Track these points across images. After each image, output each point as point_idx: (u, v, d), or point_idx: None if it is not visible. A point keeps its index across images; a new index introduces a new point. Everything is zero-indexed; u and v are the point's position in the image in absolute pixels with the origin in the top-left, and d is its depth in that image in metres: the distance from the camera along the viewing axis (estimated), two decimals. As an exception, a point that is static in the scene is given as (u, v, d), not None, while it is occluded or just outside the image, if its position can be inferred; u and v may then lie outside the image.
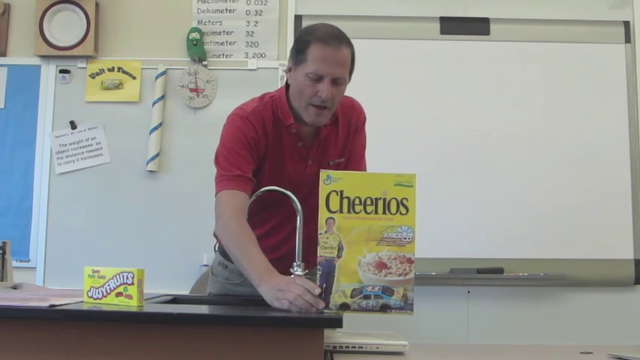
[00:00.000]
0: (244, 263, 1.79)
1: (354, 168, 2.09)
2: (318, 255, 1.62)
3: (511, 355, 1.80)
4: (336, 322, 1.52)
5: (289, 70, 1.98)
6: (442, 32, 3.53)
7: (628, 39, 3.54)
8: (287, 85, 2.02)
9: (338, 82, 1.90)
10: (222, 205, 1.95)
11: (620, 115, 3.50)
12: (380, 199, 1.63)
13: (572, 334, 3.35)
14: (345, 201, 1.63)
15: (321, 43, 1.88)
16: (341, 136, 2.07)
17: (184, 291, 3.05)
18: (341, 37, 1.91)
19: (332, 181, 1.64)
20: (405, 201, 1.63)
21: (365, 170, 2.16)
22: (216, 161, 2.05)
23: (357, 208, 1.63)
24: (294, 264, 1.84)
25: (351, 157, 2.10)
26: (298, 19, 3.54)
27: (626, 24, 3.54)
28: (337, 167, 2.04)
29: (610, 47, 3.53)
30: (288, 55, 2.02)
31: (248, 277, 1.77)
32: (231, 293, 2.18)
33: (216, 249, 2.28)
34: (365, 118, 2.15)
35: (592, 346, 1.77)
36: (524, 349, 1.90)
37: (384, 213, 1.63)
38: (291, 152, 2.01)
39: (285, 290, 1.61)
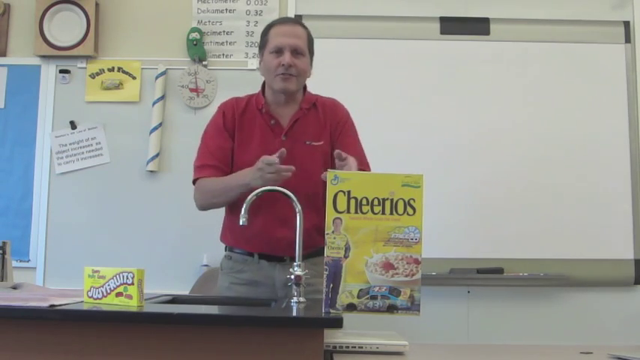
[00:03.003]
0: (230, 183, 2.18)
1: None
2: (325, 255, 1.63)
3: (511, 355, 1.80)
4: (336, 323, 1.52)
5: (260, 63, 2.31)
6: (442, 32, 3.53)
7: (628, 39, 3.53)
8: (263, 84, 2.32)
9: (297, 52, 2.20)
10: (198, 190, 2.30)
11: (620, 115, 3.50)
12: (387, 199, 1.63)
13: (572, 334, 3.35)
14: (353, 201, 1.63)
15: (278, 24, 2.27)
16: (322, 121, 2.28)
17: (184, 291, 3.05)
18: (296, 20, 2.32)
19: (339, 182, 1.64)
20: (412, 202, 1.64)
21: (369, 167, 2.26)
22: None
23: (365, 208, 1.63)
24: (294, 264, 1.84)
25: (346, 147, 2.20)
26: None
27: (626, 24, 3.54)
28: (314, 149, 2.23)
29: (610, 47, 3.53)
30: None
31: (239, 187, 2.12)
32: (236, 282, 2.27)
33: (225, 249, 2.38)
34: (347, 112, 2.34)
35: (592, 346, 1.77)
36: (524, 349, 1.90)
37: (391, 213, 1.63)
38: (261, 128, 2.25)
39: (254, 174, 2.03)
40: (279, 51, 2.19)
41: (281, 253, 2.20)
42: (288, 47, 2.19)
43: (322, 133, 2.27)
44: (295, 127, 2.26)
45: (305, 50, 2.23)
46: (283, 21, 2.31)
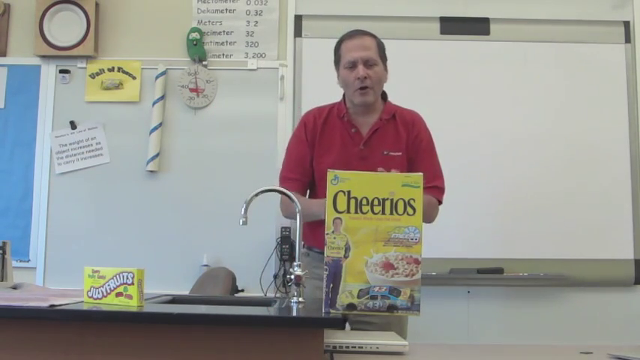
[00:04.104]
0: (303, 212, 2.18)
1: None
2: (325, 255, 1.63)
3: (511, 355, 1.80)
4: (337, 323, 1.52)
5: (338, 77, 2.37)
6: (442, 32, 3.53)
7: (628, 39, 3.54)
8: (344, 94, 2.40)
9: (370, 63, 2.28)
10: (282, 200, 2.38)
11: (620, 115, 3.50)
12: (387, 199, 1.63)
13: (572, 334, 3.35)
14: (353, 201, 1.63)
15: (347, 39, 2.34)
16: (401, 134, 2.33)
17: (184, 291, 3.04)
18: (363, 31, 2.35)
19: (339, 182, 1.64)
20: (412, 202, 1.64)
21: (441, 186, 2.32)
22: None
23: (365, 208, 1.63)
24: (294, 264, 1.84)
25: (420, 163, 2.33)
26: (298, 19, 3.54)
27: (626, 24, 3.55)
28: (392, 159, 2.25)
29: (610, 47, 3.53)
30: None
31: (310, 217, 2.22)
32: (310, 276, 2.23)
33: (304, 246, 2.44)
34: (425, 127, 2.41)
35: (592, 346, 1.77)
36: (524, 349, 1.90)
37: (391, 213, 1.63)
38: (342, 135, 2.33)
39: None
40: (352, 66, 2.28)
41: None
42: (360, 60, 2.27)
43: (399, 145, 2.33)
44: (374, 137, 2.32)
45: (377, 59, 2.31)
46: (351, 35, 2.35)
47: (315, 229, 2.31)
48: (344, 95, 2.40)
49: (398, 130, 2.35)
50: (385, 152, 2.30)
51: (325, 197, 1.91)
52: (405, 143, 2.33)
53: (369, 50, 2.30)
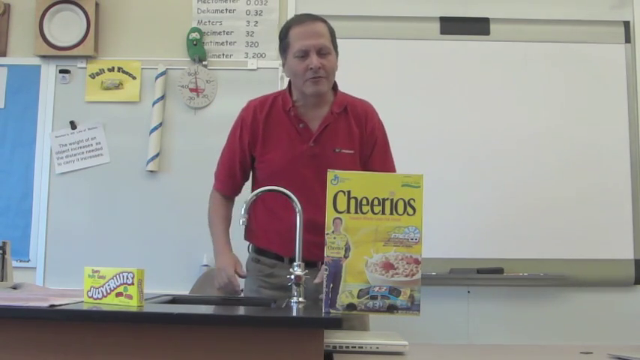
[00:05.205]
0: (212, 234, 2.32)
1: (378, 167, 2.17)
2: (325, 255, 1.63)
3: (511, 355, 1.80)
4: (336, 323, 1.52)
5: (283, 65, 2.18)
6: (442, 32, 3.53)
7: (628, 39, 3.54)
8: (290, 83, 2.20)
9: (323, 52, 2.08)
10: (210, 200, 2.39)
11: (620, 115, 3.50)
12: (387, 199, 1.64)
13: (572, 334, 3.35)
14: (353, 201, 1.63)
15: (297, 25, 2.12)
16: (354, 129, 2.17)
17: (184, 291, 3.05)
18: (314, 16, 2.15)
19: (339, 182, 1.64)
20: (412, 202, 1.64)
21: (393, 167, 2.25)
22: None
23: (365, 208, 1.63)
24: (294, 264, 1.84)
25: (375, 159, 2.21)
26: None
27: (626, 24, 3.54)
28: (344, 157, 2.13)
29: (610, 47, 3.53)
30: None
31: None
32: (265, 286, 2.22)
33: (250, 250, 2.34)
34: (379, 119, 2.25)
35: (592, 346, 1.77)
36: (524, 349, 1.90)
37: (391, 213, 1.63)
38: (289, 131, 2.15)
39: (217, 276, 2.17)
40: (304, 55, 2.07)
41: (313, 257, 1.95)
42: (314, 49, 2.06)
43: (352, 140, 2.16)
44: (325, 133, 2.15)
45: (330, 48, 2.10)
46: (301, 20, 2.13)
47: (269, 223, 2.17)
48: (289, 84, 2.19)
49: (350, 124, 2.16)
50: (337, 150, 2.13)
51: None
52: (358, 140, 2.16)
53: (322, 37, 2.08)
